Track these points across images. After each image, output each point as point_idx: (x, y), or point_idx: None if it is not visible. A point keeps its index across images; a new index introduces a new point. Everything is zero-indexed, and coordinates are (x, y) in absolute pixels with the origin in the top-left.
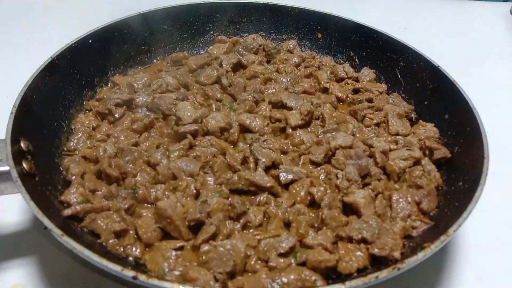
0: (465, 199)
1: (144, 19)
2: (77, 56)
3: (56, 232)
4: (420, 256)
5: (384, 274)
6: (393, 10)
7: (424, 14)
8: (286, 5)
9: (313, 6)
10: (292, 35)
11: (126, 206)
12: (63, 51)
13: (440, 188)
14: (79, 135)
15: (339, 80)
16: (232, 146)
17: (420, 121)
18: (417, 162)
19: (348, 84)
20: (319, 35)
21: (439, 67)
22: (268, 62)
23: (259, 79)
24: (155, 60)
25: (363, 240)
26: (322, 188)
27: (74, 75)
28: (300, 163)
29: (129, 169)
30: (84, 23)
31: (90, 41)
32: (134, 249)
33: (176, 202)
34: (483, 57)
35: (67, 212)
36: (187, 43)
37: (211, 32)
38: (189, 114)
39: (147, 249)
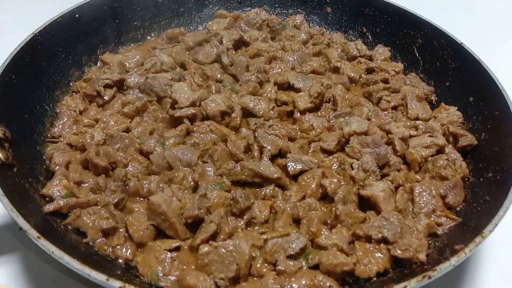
0: (498, 193)
1: None
2: (63, 32)
3: (32, 233)
4: (453, 261)
5: (413, 284)
6: None
7: None
8: None
9: None
10: (299, 9)
11: (116, 200)
12: (47, 27)
13: (466, 179)
14: (64, 120)
15: (351, 58)
16: (234, 132)
17: (442, 104)
18: (440, 150)
19: (361, 63)
20: (329, 9)
21: (462, 44)
22: (273, 39)
23: (263, 57)
24: (149, 37)
25: (384, 240)
26: (335, 180)
27: (59, 53)
28: (310, 151)
29: (119, 158)
30: None
31: (77, 16)
32: (124, 249)
33: (172, 196)
34: (509, 34)
35: (49, 207)
36: (183, 18)
37: (210, 6)
38: (186, 96)
39: (139, 249)
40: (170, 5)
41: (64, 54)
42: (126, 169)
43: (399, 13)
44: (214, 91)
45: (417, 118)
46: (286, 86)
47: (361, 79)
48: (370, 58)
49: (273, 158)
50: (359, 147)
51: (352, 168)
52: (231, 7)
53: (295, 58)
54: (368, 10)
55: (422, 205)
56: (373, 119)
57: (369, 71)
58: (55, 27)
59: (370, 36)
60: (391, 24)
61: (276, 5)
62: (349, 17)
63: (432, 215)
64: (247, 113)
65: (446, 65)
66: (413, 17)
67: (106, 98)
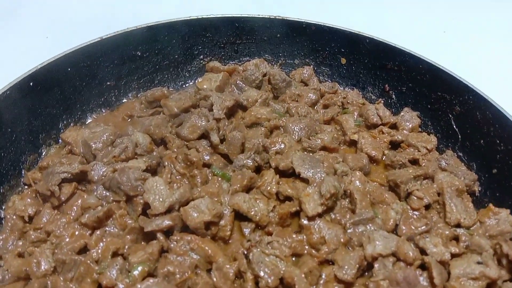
0: None
1: (108, 46)
2: (12, 108)
3: None
4: None
5: None
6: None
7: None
8: (299, 20)
9: (335, 21)
10: (307, 60)
11: None
12: None
13: None
14: (7, 233)
15: (371, 126)
16: (223, 244)
17: (491, 205)
18: (492, 282)
19: (383, 133)
20: (343, 60)
21: None
22: (276, 98)
23: (263, 128)
24: (124, 99)
25: None
26: None
27: (7, 136)
28: (321, 282)
29: None
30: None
31: (31, 84)
32: None
33: None
34: None
35: None
36: (168, 72)
37: (201, 57)
38: (161, 199)
39: None
40: (152, 57)
41: (15, 135)
42: None
43: (431, 71)
44: (199, 183)
45: (458, 225)
46: (291, 172)
47: (383, 158)
48: (395, 126)
49: None
50: (387, 285)
51: None
52: (226, 58)
53: (302, 128)
54: (392, 64)
55: None
56: (403, 227)
57: (394, 144)
58: (2, 103)
59: (394, 96)
60: (420, 83)
61: (280, 54)
62: (368, 71)
63: None
64: (241, 216)
65: (492, 145)
66: (449, 77)
67: (62, 198)
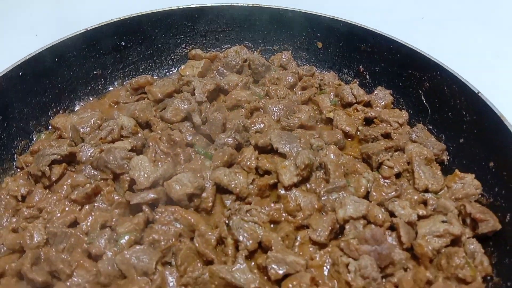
0: None
1: (93, 36)
2: (3, 96)
3: None
4: None
5: None
6: None
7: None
8: (276, 7)
9: (310, 7)
10: (285, 45)
11: None
12: None
13: (489, 278)
14: (1, 211)
15: (346, 105)
16: (205, 215)
17: (457, 171)
18: (455, 239)
19: (357, 111)
20: (319, 44)
21: (479, 94)
22: (256, 82)
23: (243, 109)
24: (111, 88)
25: None
26: None
27: None
28: (296, 244)
29: (62, 267)
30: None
31: (20, 74)
32: None
33: None
34: None
35: None
36: (152, 61)
37: (183, 46)
38: (146, 175)
39: None
40: (135, 47)
41: (6, 122)
42: (70, 282)
43: (402, 50)
44: (182, 161)
45: (426, 190)
46: (269, 148)
47: (358, 133)
48: (369, 104)
49: (252, 253)
50: (356, 243)
51: (348, 271)
52: (208, 45)
53: (281, 108)
54: (365, 45)
55: None
56: (374, 193)
57: (368, 121)
58: None
59: (368, 76)
60: (392, 62)
61: (259, 41)
62: (343, 54)
63: None
64: (223, 188)
65: (459, 117)
66: (418, 55)
67: (53, 178)
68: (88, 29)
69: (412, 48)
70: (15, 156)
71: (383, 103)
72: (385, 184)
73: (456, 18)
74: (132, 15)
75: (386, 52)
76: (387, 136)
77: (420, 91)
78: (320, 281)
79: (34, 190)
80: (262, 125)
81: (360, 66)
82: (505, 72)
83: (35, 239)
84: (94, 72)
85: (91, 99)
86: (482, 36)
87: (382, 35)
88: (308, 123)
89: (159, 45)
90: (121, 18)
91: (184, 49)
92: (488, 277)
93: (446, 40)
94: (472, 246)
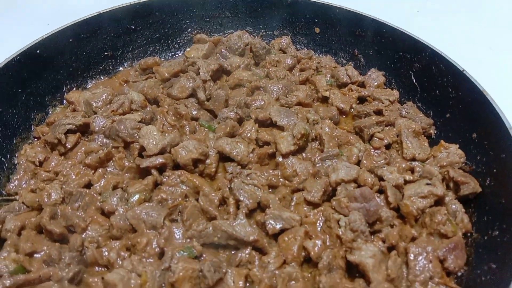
0: (505, 263)
1: (105, 19)
2: (22, 72)
3: None
4: None
5: None
6: None
7: None
8: None
9: None
10: (285, 31)
11: (70, 274)
12: (2, 68)
13: (469, 234)
14: (21, 174)
15: (342, 85)
16: (210, 180)
17: (442, 141)
18: (439, 200)
19: (352, 90)
20: (317, 30)
21: (464, 72)
22: (257, 64)
23: (245, 88)
24: (121, 68)
25: None
26: (319, 242)
27: (18, 96)
28: (292, 204)
29: (77, 221)
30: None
31: (38, 52)
32: None
33: (131, 270)
34: None
35: None
36: (160, 44)
37: (189, 30)
38: (154, 142)
39: None
40: (144, 30)
41: (25, 95)
42: (84, 234)
43: (394, 34)
44: (188, 132)
45: (413, 159)
46: (269, 123)
47: (351, 110)
48: (363, 85)
49: (252, 212)
50: (347, 201)
51: (339, 226)
52: (212, 30)
53: (280, 88)
54: (360, 30)
55: (418, 271)
56: (364, 161)
57: (361, 99)
58: (13, 67)
59: (362, 59)
60: (385, 46)
61: (260, 26)
62: (339, 38)
63: (429, 283)
64: (225, 157)
65: (446, 94)
66: (409, 38)
67: (68, 145)
68: (101, 12)
69: (403, 32)
70: (32, 127)
71: (376, 83)
72: (376, 154)
73: (450, 11)
74: (142, 1)
75: (379, 36)
76: (379, 112)
77: (411, 72)
78: (313, 235)
79: (51, 157)
80: (262, 102)
81: (355, 50)
82: (498, 63)
83: (53, 197)
84: (105, 53)
85: (102, 78)
86: (476, 29)
87: (375, 20)
88: (305, 100)
89: (166, 30)
90: (132, 3)
91: (189, 34)
92: (468, 234)
93: (441, 34)
94: (454, 206)
